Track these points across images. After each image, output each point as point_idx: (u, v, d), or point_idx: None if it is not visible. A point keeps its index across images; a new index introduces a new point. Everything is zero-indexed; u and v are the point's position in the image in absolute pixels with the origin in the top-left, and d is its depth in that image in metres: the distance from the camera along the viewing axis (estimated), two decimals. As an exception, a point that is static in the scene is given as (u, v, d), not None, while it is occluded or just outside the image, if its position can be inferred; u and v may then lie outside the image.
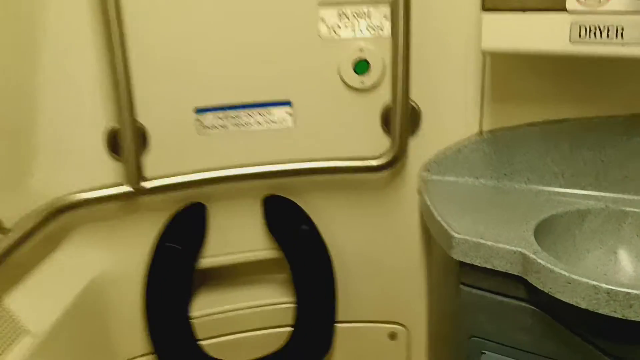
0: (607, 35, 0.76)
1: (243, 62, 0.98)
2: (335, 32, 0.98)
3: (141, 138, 0.97)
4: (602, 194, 0.97)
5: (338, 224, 1.10)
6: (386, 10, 0.96)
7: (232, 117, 1.02)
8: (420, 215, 1.09)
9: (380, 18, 0.97)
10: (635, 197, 0.94)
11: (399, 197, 1.08)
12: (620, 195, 0.96)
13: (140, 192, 0.97)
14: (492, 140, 1.01)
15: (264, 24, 0.97)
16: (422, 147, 1.05)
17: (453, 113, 1.02)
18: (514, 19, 0.81)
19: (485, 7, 0.82)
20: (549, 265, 0.77)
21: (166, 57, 0.95)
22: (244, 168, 1.02)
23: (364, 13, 0.97)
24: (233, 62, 0.98)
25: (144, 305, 1.06)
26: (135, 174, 0.96)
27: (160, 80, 0.96)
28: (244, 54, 0.98)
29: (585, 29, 0.77)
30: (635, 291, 0.70)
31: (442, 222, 0.89)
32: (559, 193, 0.99)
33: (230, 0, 0.94)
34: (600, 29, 0.77)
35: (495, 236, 0.84)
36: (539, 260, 0.78)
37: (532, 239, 0.83)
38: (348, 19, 0.98)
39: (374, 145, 1.04)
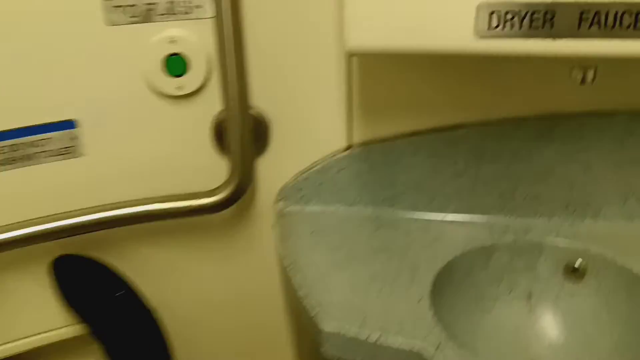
0: (531, 25, 0.51)
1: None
2: (129, 15, 0.65)
3: None
4: (509, 220, 0.74)
5: (169, 280, 0.80)
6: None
7: (-16, 152, 0.66)
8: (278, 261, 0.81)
9: (195, -8, 0.65)
10: (551, 222, 0.73)
11: (249, 235, 0.80)
12: (532, 220, 0.74)
13: None
14: (365, 156, 0.75)
15: (19, 11, 0.61)
16: (275, 169, 0.76)
17: (312, 122, 0.74)
18: (392, 3, 0.52)
19: (348, -14, 0.53)
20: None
21: None
22: (14, 232, 0.67)
23: (169, -15, 0.65)
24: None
25: None
26: None
27: None
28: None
29: (499, 15, 0.51)
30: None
31: (306, 301, 0.61)
32: (454, 222, 0.75)
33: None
34: (520, 15, 0.51)
35: (381, 317, 0.58)
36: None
37: (431, 315, 0.59)
38: (147, -5, 0.64)
39: (207, 172, 0.74)
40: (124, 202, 0.71)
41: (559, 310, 0.70)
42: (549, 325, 0.70)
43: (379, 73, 0.70)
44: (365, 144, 0.74)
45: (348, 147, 0.75)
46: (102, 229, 0.72)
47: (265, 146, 0.75)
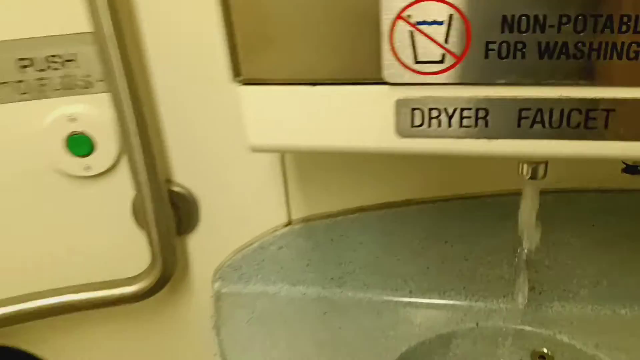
0: (461, 124, 0.42)
1: None
2: (20, 93, 0.57)
3: None
4: (470, 303, 0.66)
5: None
6: (90, 49, 0.56)
7: None
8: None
9: (91, 65, 0.57)
10: (516, 306, 0.64)
11: (184, 321, 0.72)
12: (494, 304, 0.65)
13: None
14: (307, 232, 0.66)
15: None
16: (208, 248, 0.69)
17: (243, 199, 0.66)
18: (297, 97, 0.44)
19: (244, 79, 0.44)
20: None
21: None
22: None
23: (65, 58, 0.56)
24: None
25: None
26: None
27: None
28: None
29: (422, 112, 0.42)
30: None
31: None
32: (410, 304, 0.67)
33: None
34: (447, 113, 0.42)
35: None
36: None
37: None
38: (38, 70, 0.56)
39: (130, 254, 0.66)
40: (37, 293, 0.64)
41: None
42: None
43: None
44: (307, 220, 0.66)
45: (288, 224, 0.67)
46: (18, 323, 0.65)
47: (195, 224, 0.67)
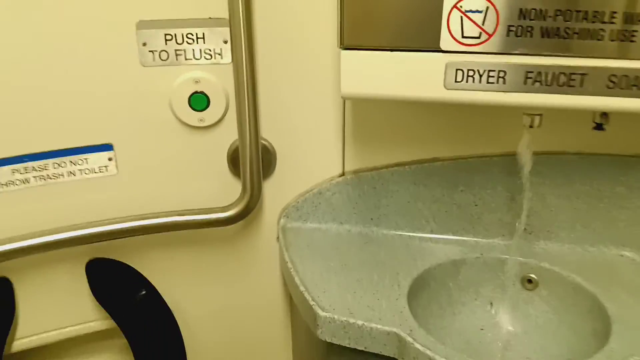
0: (487, 80, 0.65)
1: (45, 99, 0.76)
2: (161, 59, 0.78)
3: None
4: (477, 239, 0.88)
5: (185, 283, 0.92)
6: (225, 32, 0.78)
7: (36, 169, 0.79)
8: (281, 266, 0.94)
9: (217, 42, 0.79)
10: (511, 242, 0.86)
11: (256, 248, 0.92)
12: (495, 241, 0.87)
13: None
14: (356, 182, 0.88)
15: (69, 51, 0.75)
16: (279, 191, 0.89)
17: (311, 152, 0.87)
18: (379, 59, 0.66)
19: (345, 45, 0.66)
20: (425, 350, 0.65)
21: None
22: (57, 234, 0.80)
23: (198, 36, 0.78)
24: (32, 100, 0.75)
25: None
26: None
27: None
28: (45, 89, 0.75)
29: (463, 72, 0.65)
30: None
31: (306, 294, 0.74)
32: (430, 239, 0.88)
33: (24, 20, 0.71)
34: (479, 73, 0.65)
35: (366, 310, 0.71)
36: (415, 345, 0.66)
37: (407, 309, 0.72)
38: (178, 43, 0.78)
39: (222, 192, 0.87)
40: (150, 214, 0.84)
41: (516, 314, 0.82)
42: (508, 326, 0.82)
43: (368, 114, 0.84)
44: (356, 172, 0.88)
45: (342, 174, 0.88)
46: (130, 236, 0.85)
47: (271, 171, 0.88)
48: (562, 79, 0.63)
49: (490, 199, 0.86)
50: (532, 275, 0.83)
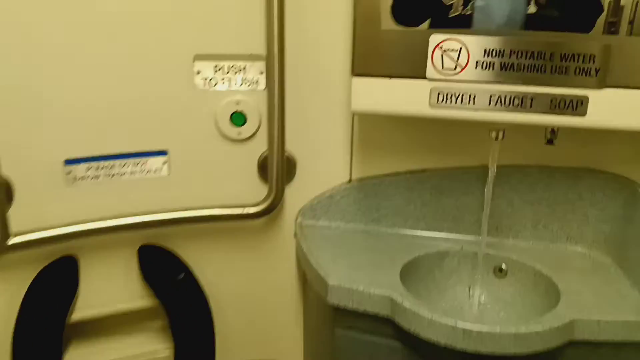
0: (461, 101, 0.86)
1: (117, 112, 0.97)
2: (211, 85, 1.00)
3: (5, 191, 0.92)
4: (459, 236, 1.07)
5: (216, 270, 1.12)
6: (261, 65, 1.00)
7: (105, 167, 1.00)
8: (296, 258, 1.13)
9: (255, 73, 1.01)
10: (486, 239, 1.05)
11: (277, 241, 1.12)
12: (473, 237, 1.07)
13: (5, 249, 0.92)
14: (360, 187, 1.08)
15: (139, 75, 0.96)
16: (298, 194, 1.10)
17: (325, 163, 1.08)
18: (380, 84, 0.88)
19: (355, 73, 0.88)
20: (413, 308, 0.84)
21: (32, 105, 0.91)
22: (117, 220, 1.00)
23: (240, 68, 1.00)
24: (106, 112, 0.97)
25: (10, 364, 1.00)
26: (0, 231, 0.90)
27: (26, 129, 0.92)
28: (118, 104, 0.97)
29: (443, 95, 0.86)
30: (485, 329, 0.79)
31: (318, 270, 0.93)
32: (421, 236, 1.08)
33: (105, 49, 0.93)
34: (455, 96, 0.86)
35: (366, 281, 0.90)
36: (404, 304, 0.85)
37: (399, 282, 0.91)
38: (224, 72, 1.00)
39: (251, 193, 1.07)
40: (194, 206, 1.04)
41: (489, 297, 1.01)
42: (482, 306, 1.01)
43: (371, 132, 1.05)
44: (361, 179, 1.08)
45: (349, 181, 1.09)
46: (175, 225, 1.05)
47: (292, 177, 1.09)
48: (516, 101, 0.85)
49: (469, 203, 1.06)
50: (502, 265, 1.02)
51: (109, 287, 1.06)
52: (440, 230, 1.08)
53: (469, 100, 0.86)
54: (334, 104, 1.04)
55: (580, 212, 1.03)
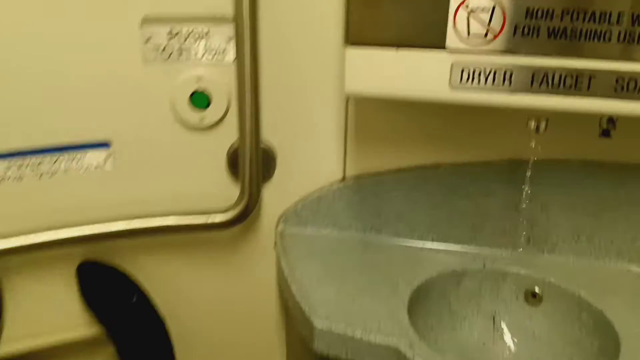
0: (493, 81, 0.64)
1: (45, 94, 0.75)
2: (164, 56, 0.78)
3: None
4: (479, 250, 0.86)
5: (176, 290, 0.90)
6: (229, 30, 0.77)
7: (31, 165, 0.78)
8: (277, 276, 0.92)
9: (222, 40, 0.78)
10: (514, 254, 0.84)
11: (253, 253, 0.91)
12: (498, 251, 0.85)
13: None
14: (356, 187, 0.86)
15: (71, 46, 0.74)
16: (278, 195, 0.88)
17: (312, 156, 0.86)
18: (383, 57, 0.66)
19: (350, 42, 0.66)
20: (427, 361, 0.63)
21: None
22: (48, 233, 0.78)
23: (202, 33, 0.78)
24: (31, 94, 0.74)
25: None
26: None
27: None
28: (45, 84, 0.74)
29: (469, 72, 0.64)
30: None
31: (302, 303, 0.72)
32: (431, 249, 0.86)
33: (25, 11, 0.70)
34: (485, 73, 0.64)
35: (364, 321, 0.69)
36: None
37: (407, 321, 0.70)
38: (182, 40, 0.77)
39: (219, 195, 0.85)
40: (145, 214, 0.82)
41: (519, 331, 0.80)
42: (510, 343, 0.80)
43: (370, 118, 0.83)
44: (357, 177, 0.86)
45: (343, 179, 0.87)
46: (123, 237, 0.83)
47: (271, 175, 0.87)
48: (569, 80, 0.62)
49: (493, 207, 0.84)
50: (536, 289, 0.81)
51: (42, 314, 0.85)
52: (455, 242, 0.87)
53: (504, 80, 0.64)
54: (323, 82, 0.81)
55: (634, 221, 0.81)
